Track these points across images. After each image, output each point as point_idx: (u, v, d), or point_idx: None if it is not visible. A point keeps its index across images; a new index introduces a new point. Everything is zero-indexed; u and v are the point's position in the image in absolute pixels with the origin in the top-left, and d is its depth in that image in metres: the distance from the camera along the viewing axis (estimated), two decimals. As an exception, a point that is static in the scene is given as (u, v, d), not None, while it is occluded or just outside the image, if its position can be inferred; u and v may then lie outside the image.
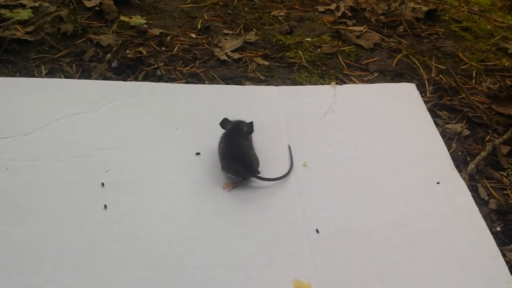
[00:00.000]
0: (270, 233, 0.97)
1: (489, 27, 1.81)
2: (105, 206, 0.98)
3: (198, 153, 1.13)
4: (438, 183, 1.10)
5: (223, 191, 1.04)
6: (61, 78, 1.37)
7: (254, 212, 1.00)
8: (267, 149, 1.13)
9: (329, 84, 1.39)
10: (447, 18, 1.82)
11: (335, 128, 1.22)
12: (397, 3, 1.80)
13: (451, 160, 1.17)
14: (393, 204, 1.04)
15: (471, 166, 1.19)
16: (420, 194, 1.07)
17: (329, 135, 1.20)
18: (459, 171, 1.17)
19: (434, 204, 1.05)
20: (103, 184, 1.03)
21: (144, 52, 1.42)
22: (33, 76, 1.36)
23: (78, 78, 1.37)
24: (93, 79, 1.37)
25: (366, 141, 1.18)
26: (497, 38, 1.72)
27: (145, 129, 1.17)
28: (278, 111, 1.26)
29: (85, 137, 1.13)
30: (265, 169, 1.08)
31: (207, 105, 1.25)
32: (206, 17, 1.72)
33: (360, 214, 1.01)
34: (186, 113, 1.23)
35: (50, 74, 1.39)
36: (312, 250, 0.94)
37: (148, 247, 0.92)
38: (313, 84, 1.42)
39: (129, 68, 1.40)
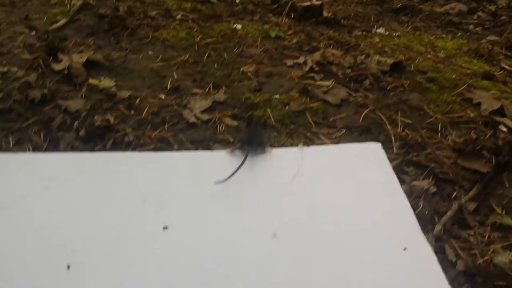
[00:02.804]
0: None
1: (454, 76, 1.85)
2: (70, 292, 0.97)
3: (165, 227, 1.12)
4: (405, 249, 1.10)
5: (192, 270, 1.03)
6: (29, 148, 1.36)
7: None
8: (235, 219, 1.13)
9: (297, 145, 1.40)
10: (412, 69, 1.87)
11: (303, 193, 1.23)
12: (363, 56, 1.84)
13: (417, 224, 1.17)
14: (362, 276, 1.04)
15: (438, 227, 1.20)
16: (388, 264, 1.07)
17: (297, 201, 1.20)
18: (427, 232, 1.18)
19: (402, 273, 1.05)
20: (68, 267, 1.01)
21: (112, 120, 1.42)
22: (1, 147, 1.36)
23: (46, 148, 1.36)
24: (61, 148, 1.36)
25: (334, 208, 1.19)
26: (462, 87, 1.76)
27: (112, 203, 1.16)
28: (247, 177, 1.26)
29: (51, 215, 1.12)
30: (230, 238, 1.09)
31: (174, 174, 1.26)
32: (176, 76, 1.74)
33: (329, 288, 1.01)
34: (154, 183, 1.23)
35: (18, 144, 1.38)
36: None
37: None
38: (282, 144, 1.43)
39: (97, 137, 1.40)
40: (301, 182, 1.26)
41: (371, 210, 1.19)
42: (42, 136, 1.41)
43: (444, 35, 2.58)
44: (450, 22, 2.84)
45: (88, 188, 1.20)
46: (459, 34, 2.68)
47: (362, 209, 1.19)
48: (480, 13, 3.25)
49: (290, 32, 2.22)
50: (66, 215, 1.12)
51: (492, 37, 2.65)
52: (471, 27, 2.87)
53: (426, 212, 1.26)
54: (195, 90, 1.66)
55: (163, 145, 1.41)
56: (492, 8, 3.52)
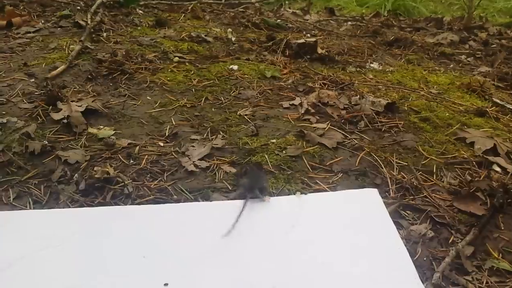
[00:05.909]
0: None
1: (447, 114, 1.88)
2: None
3: (166, 284, 1.13)
4: (404, 301, 1.11)
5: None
6: (29, 202, 1.38)
7: None
8: (235, 274, 1.14)
9: (295, 192, 1.42)
10: (406, 108, 1.90)
11: (301, 244, 1.24)
12: (357, 97, 1.87)
13: (416, 273, 1.18)
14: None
15: (436, 275, 1.21)
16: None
17: (296, 252, 1.22)
18: (426, 279, 1.19)
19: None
20: (68, 330, 1.02)
21: (111, 173, 1.44)
22: (1, 201, 1.37)
23: (46, 202, 1.38)
24: (61, 202, 1.38)
25: (332, 258, 1.20)
26: (455, 127, 1.79)
27: (112, 261, 1.17)
28: (246, 229, 1.27)
29: (50, 276, 1.12)
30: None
31: (174, 229, 1.27)
32: (174, 122, 1.76)
33: None
34: (153, 238, 1.24)
35: (18, 198, 1.39)
36: None
37: None
38: (279, 190, 1.45)
39: (96, 189, 1.41)
40: (300, 233, 1.27)
41: (370, 263, 1.20)
42: (42, 190, 1.42)
43: (436, 67, 2.63)
44: (443, 53, 2.89)
45: (87, 247, 1.21)
46: (452, 65, 2.72)
47: (360, 262, 1.20)
48: (471, 42, 3.31)
49: (285, 71, 2.26)
50: (63, 277, 1.13)
51: (484, 68, 2.69)
52: (463, 57, 2.92)
53: (424, 259, 1.27)
54: (194, 137, 1.68)
55: (162, 195, 1.42)
56: (484, 35, 3.58)
